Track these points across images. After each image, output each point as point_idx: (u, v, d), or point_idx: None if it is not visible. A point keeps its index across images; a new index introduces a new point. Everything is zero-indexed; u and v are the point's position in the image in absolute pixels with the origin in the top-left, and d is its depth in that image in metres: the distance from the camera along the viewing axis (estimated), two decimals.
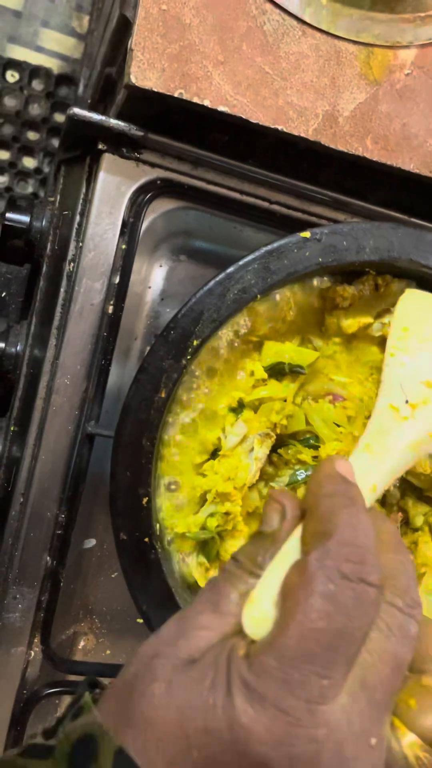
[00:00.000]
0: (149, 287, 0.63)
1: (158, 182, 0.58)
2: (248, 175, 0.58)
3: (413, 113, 0.54)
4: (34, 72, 0.96)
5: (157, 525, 0.48)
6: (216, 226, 0.62)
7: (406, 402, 0.43)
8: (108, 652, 0.66)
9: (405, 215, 0.62)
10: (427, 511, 0.55)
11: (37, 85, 0.97)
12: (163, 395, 0.45)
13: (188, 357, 0.45)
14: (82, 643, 0.66)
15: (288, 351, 0.50)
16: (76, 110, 0.53)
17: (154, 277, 0.64)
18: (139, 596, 0.46)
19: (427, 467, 0.54)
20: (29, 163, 0.99)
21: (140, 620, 0.65)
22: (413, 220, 0.61)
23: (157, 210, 0.59)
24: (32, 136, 0.99)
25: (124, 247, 0.57)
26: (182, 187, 0.58)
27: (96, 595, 0.65)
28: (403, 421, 0.42)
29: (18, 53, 0.95)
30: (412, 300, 0.49)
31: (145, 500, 0.46)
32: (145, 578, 0.46)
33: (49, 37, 0.98)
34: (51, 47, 0.97)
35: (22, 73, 0.96)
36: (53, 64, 0.97)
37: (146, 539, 0.46)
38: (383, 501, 0.56)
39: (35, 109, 0.97)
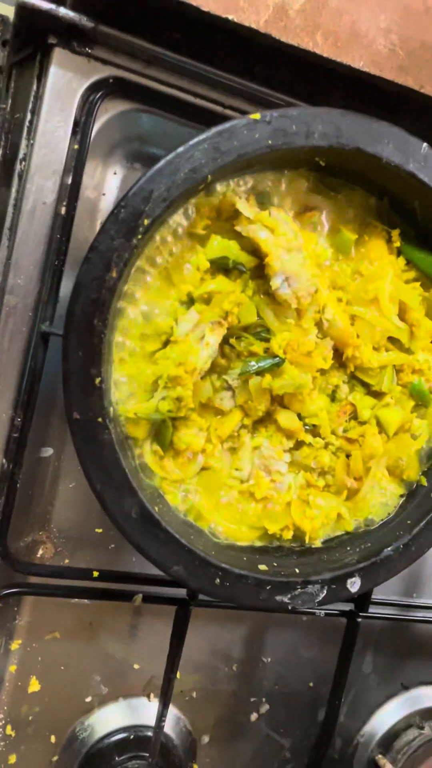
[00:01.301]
0: (103, 194, 0.63)
1: (111, 81, 0.57)
2: (202, 76, 0.58)
3: (362, 11, 0.55)
4: None
5: (111, 408, 0.48)
6: (170, 132, 0.62)
7: None
8: (66, 561, 0.66)
9: None
10: (374, 404, 0.57)
11: None
12: (114, 275, 0.45)
13: (139, 237, 0.45)
14: (40, 552, 0.66)
15: (233, 248, 0.51)
16: None
17: (108, 184, 0.63)
18: (93, 475, 0.47)
19: (374, 361, 0.56)
20: None
21: (99, 530, 0.67)
22: None
23: (110, 110, 0.59)
24: None
25: (76, 146, 0.57)
26: (135, 87, 0.58)
27: (54, 504, 0.66)
28: None
29: None
30: None
31: (98, 381, 0.46)
32: (98, 458, 0.47)
33: None
34: None
35: None
36: (10, 12, 0.94)
37: (99, 419, 0.47)
38: (333, 397, 0.58)
39: None
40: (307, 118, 0.48)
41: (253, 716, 0.78)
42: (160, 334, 0.51)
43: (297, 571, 0.54)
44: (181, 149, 0.46)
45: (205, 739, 0.76)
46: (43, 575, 0.62)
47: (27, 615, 0.66)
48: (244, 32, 0.53)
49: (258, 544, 0.57)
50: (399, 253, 0.57)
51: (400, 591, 0.82)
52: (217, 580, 0.51)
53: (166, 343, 0.51)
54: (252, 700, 0.78)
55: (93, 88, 0.57)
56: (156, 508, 0.50)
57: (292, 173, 0.53)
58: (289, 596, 0.54)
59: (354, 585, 0.56)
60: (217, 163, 0.46)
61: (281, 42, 0.53)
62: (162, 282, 0.50)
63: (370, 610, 0.73)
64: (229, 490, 0.56)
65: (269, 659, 0.78)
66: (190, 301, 0.51)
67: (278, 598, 0.54)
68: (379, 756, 0.84)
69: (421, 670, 0.87)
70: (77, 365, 0.46)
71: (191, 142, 0.46)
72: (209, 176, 0.46)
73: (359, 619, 0.72)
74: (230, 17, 0.52)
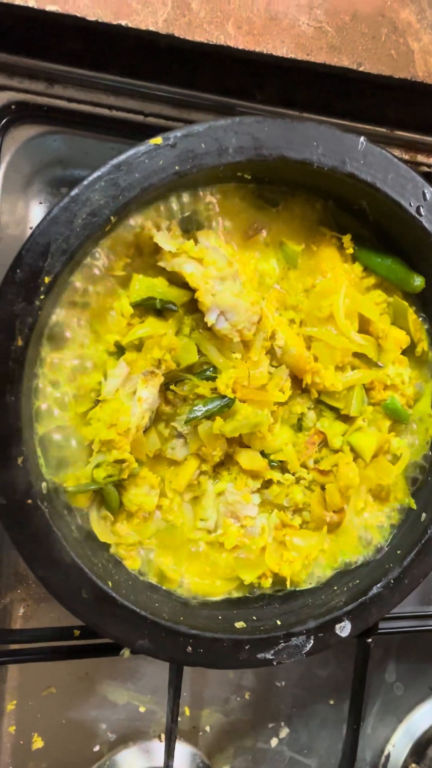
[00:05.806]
0: (30, 227, 0.58)
1: (12, 107, 0.51)
2: (113, 87, 0.52)
3: None
4: None
5: (44, 483, 0.44)
6: (91, 150, 0.56)
7: None
8: (52, 614, 0.63)
9: (301, 112, 0.56)
10: (345, 430, 0.52)
11: None
12: (20, 343, 0.40)
13: (42, 297, 0.40)
14: (21, 610, 0.63)
15: (159, 286, 0.45)
16: None
17: (33, 216, 0.58)
18: (31, 561, 0.43)
19: (338, 384, 0.50)
20: None
21: None
22: (307, 115, 0.55)
23: (18, 139, 0.53)
24: None
25: None
26: (41, 109, 0.52)
27: None
28: None
29: None
30: None
31: (20, 460, 0.42)
32: (34, 541, 0.43)
33: None
34: None
35: None
36: None
37: (29, 501, 0.42)
38: (299, 426, 0.52)
39: None
40: (218, 133, 0.41)
41: (274, 741, 0.75)
42: (90, 392, 0.46)
43: (278, 623, 0.50)
44: (75, 191, 0.40)
45: None
46: (23, 642, 0.59)
47: (17, 676, 0.63)
48: (145, 35, 0.47)
49: (236, 595, 0.53)
50: (354, 259, 0.51)
51: (415, 598, 0.77)
52: (189, 648, 0.47)
53: (98, 402, 0.46)
54: (270, 725, 0.75)
55: None
56: (110, 583, 0.45)
57: (220, 189, 0.47)
58: (272, 652, 0.49)
59: (344, 630, 0.51)
60: (119, 201, 0.40)
61: (187, 41, 0.47)
62: (87, 333, 0.45)
63: (382, 625, 0.69)
64: (195, 543, 0.51)
65: (283, 683, 0.74)
66: (120, 351, 0.46)
67: (260, 655, 0.49)
68: (413, 765, 0.80)
69: None
70: None
71: (85, 182, 0.40)
72: (112, 218, 0.40)
73: (369, 640, 0.67)
74: (123, 23, 0.45)
